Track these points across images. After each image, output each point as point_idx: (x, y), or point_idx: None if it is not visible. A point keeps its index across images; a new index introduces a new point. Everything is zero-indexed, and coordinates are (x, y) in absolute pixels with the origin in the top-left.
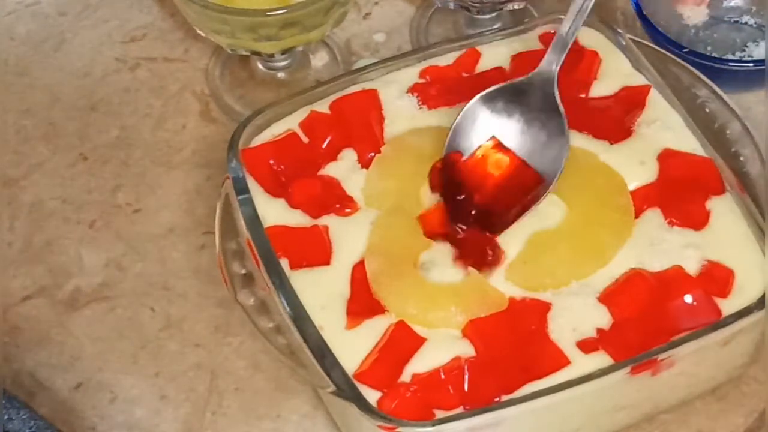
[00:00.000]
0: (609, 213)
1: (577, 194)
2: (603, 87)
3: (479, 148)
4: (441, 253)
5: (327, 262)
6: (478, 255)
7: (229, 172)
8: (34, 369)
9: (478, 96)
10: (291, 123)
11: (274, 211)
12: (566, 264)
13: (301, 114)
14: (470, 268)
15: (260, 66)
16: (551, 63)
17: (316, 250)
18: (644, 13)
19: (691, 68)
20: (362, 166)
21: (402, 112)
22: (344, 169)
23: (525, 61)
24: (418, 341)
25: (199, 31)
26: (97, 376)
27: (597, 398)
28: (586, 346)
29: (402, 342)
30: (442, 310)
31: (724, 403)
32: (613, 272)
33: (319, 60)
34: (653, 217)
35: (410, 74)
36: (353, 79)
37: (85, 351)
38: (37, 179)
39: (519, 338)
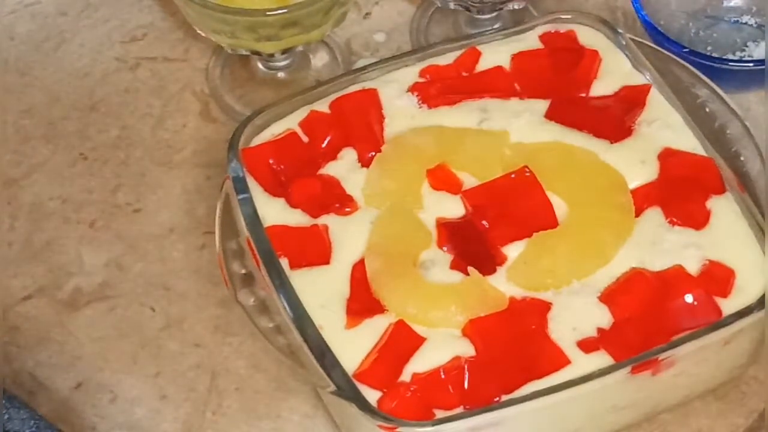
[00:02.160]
0: (609, 212)
1: (578, 193)
2: (603, 86)
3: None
4: (441, 253)
5: (327, 262)
6: (479, 256)
7: (229, 171)
8: (35, 369)
9: None
10: (291, 122)
11: (274, 211)
12: (567, 263)
13: (301, 113)
14: (471, 268)
15: (260, 66)
16: None
17: (315, 250)
18: (644, 12)
19: (692, 68)
20: (362, 165)
21: (402, 112)
22: (344, 168)
23: (525, 60)
24: (418, 341)
25: (199, 31)
26: (97, 376)
27: (597, 398)
28: (586, 345)
29: (402, 341)
30: (442, 309)
31: (725, 402)
32: (613, 271)
33: (320, 60)
34: (654, 216)
35: (410, 73)
36: (353, 78)
37: (86, 351)
38: (37, 179)
39: (519, 338)
